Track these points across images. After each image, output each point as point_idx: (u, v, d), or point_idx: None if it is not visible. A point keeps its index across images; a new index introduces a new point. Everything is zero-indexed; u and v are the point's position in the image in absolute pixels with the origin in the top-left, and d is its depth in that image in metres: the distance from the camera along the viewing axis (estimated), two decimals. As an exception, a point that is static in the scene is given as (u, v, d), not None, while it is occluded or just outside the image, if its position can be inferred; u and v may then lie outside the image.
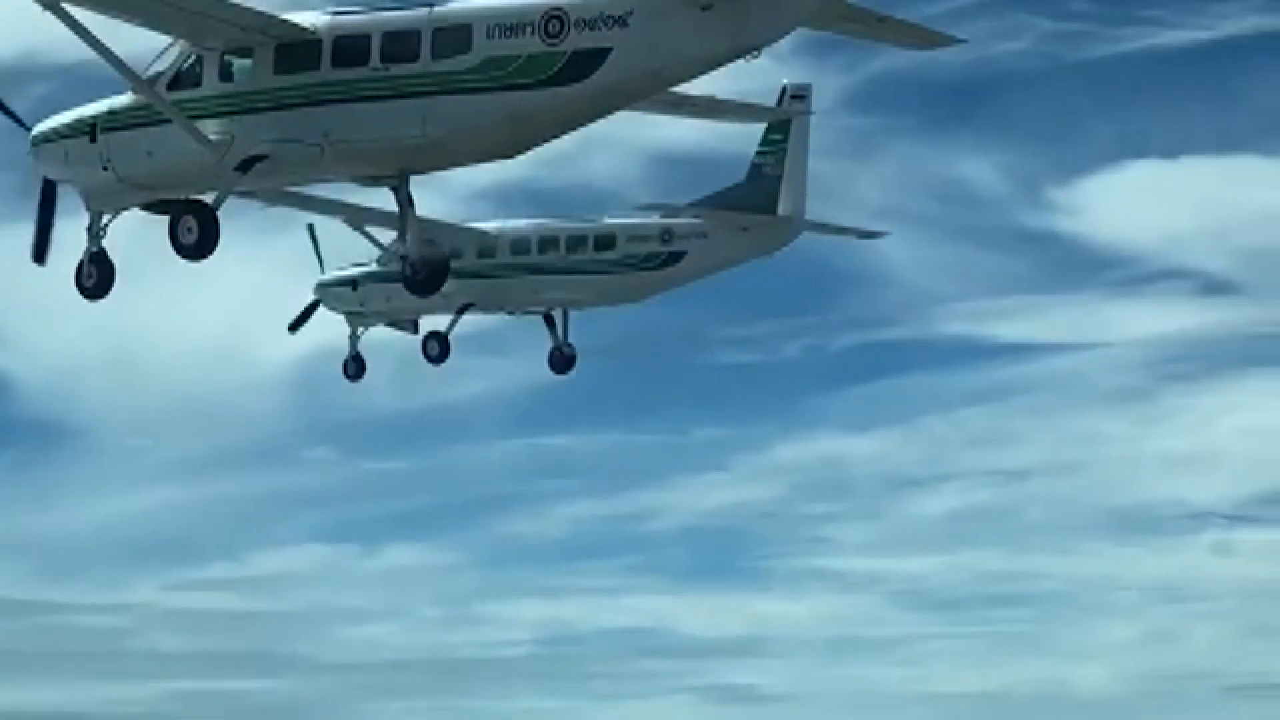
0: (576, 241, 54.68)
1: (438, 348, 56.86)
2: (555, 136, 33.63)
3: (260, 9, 34.32)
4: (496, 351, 66.52)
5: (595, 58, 31.72)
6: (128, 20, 34.16)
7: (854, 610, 79.00)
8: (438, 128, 32.98)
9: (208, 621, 77.48)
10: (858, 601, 79.19)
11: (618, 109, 33.15)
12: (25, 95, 40.00)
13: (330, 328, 59.84)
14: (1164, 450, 79.81)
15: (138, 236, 37.76)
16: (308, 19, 34.24)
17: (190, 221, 34.45)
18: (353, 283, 58.13)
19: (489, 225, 55.82)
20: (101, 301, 37.58)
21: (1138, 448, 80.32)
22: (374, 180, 35.79)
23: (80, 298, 37.37)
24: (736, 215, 52.92)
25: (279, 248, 58.36)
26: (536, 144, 33.72)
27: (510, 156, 34.23)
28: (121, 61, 34.75)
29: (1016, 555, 78.44)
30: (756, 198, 52.93)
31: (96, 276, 37.10)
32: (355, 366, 59.01)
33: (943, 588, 79.05)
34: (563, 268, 54.67)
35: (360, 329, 58.94)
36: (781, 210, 52.81)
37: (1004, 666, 75.55)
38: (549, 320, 57.00)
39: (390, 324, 58.79)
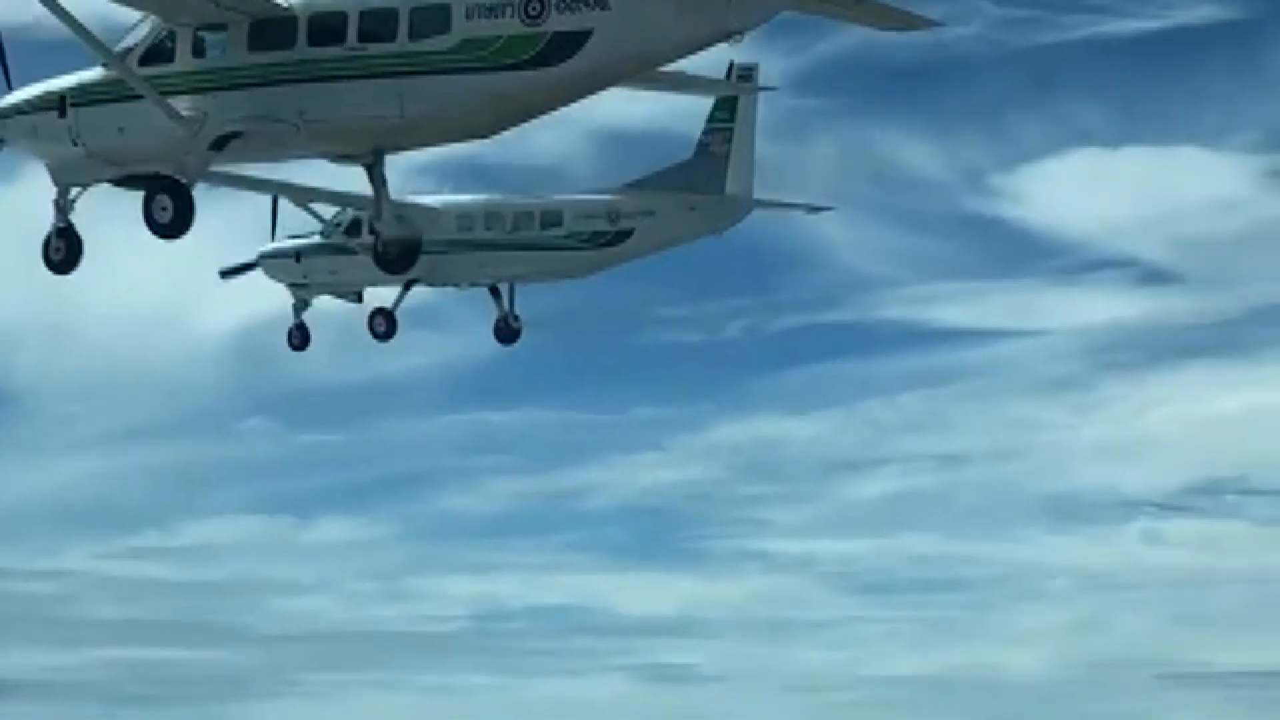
0: (523, 218, 54.89)
1: (384, 324, 56.98)
2: (534, 117, 33.89)
3: None
4: (441, 325, 66.75)
5: (576, 40, 31.80)
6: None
7: (788, 592, 79.56)
8: (416, 108, 33.05)
9: (141, 590, 77.31)
10: (792, 583, 79.69)
11: (598, 90, 33.40)
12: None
13: (270, 298, 59.87)
14: (1099, 439, 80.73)
15: (81, 204, 37.79)
16: None
17: (165, 200, 34.26)
18: (296, 254, 58.16)
19: (434, 199, 55.99)
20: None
21: (1073, 435, 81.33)
22: (347, 159, 36.02)
23: (48, 271, 37.37)
24: (683, 195, 53.38)
25: (222, 215, 58.08)
26: (515, 124, 33.93)
27: (486, 137, 34.49)
28: (93, 36, 34.63)
29: (951, 540, 79.20)
30: (703, 176, 53.39)
31: (65, 251, 37.02)
32: (300, 336, 59.01)
33: (877, 570, 79.61)
34: (509, 244, 54.91)
35: (305, 299, 58.99)
36: (729, 189, 53.28)
37: (937, 651, 76.07)
38: (494, 291, 57.29)
39: (335, 294, 58.88)
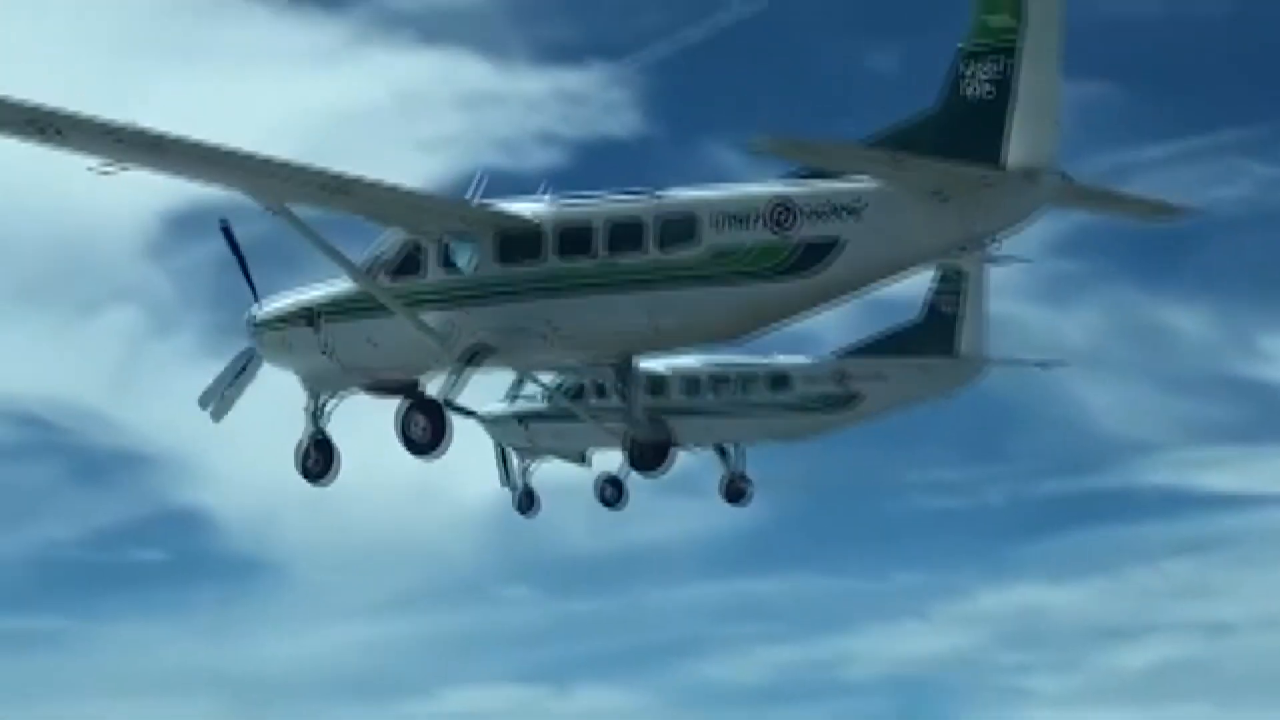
0: (750, 381, 54.69)
1: (614, 491, 56.82)
2: (784, 323, 33.87)
3: (482, 203, 34.92)
4: (673, 489, 66.53)
5: (826, 249, 31.83)
6: (350, 216, 34.82)
7: (1053, 761, 77.57)
8: (666, 319, 33.19)
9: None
10: (1058, 753, 77.75)
11: (849, 297, 33.31)
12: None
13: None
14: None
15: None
16: (529, 209, 34.67)
17: (420, 419, 34.63)
18: (521, 418, 58.44)
19: (659, 364, 56.03)
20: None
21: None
22: (596, 364, 36.22)
23: (304, 481, 37.88)
24: (914, 358, 52.91)
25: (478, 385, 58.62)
26: (764, 330, 33.96)
27: (734, 341, 34.52)
28: (345, 257, 35.27)
29: (1222, 711, 76.33)
30: (934, 337, 52.93)
31: (321, 462, 37.54)
32: (527, 501, 59.23)
33: (1144, 741, 77.50)
34: (736, 408, 54.71)
35: (530, 463, 59.20)
36: (961, 350, 52.72)
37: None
38: (721, 451, 57.08)
39: (560, 458, 59.04)
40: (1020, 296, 53.42)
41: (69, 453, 75.22)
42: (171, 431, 65.71)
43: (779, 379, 54.57)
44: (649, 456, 38.18)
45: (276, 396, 39.14)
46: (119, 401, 67.48)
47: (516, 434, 58.69)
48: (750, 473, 56.97)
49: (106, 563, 78.96)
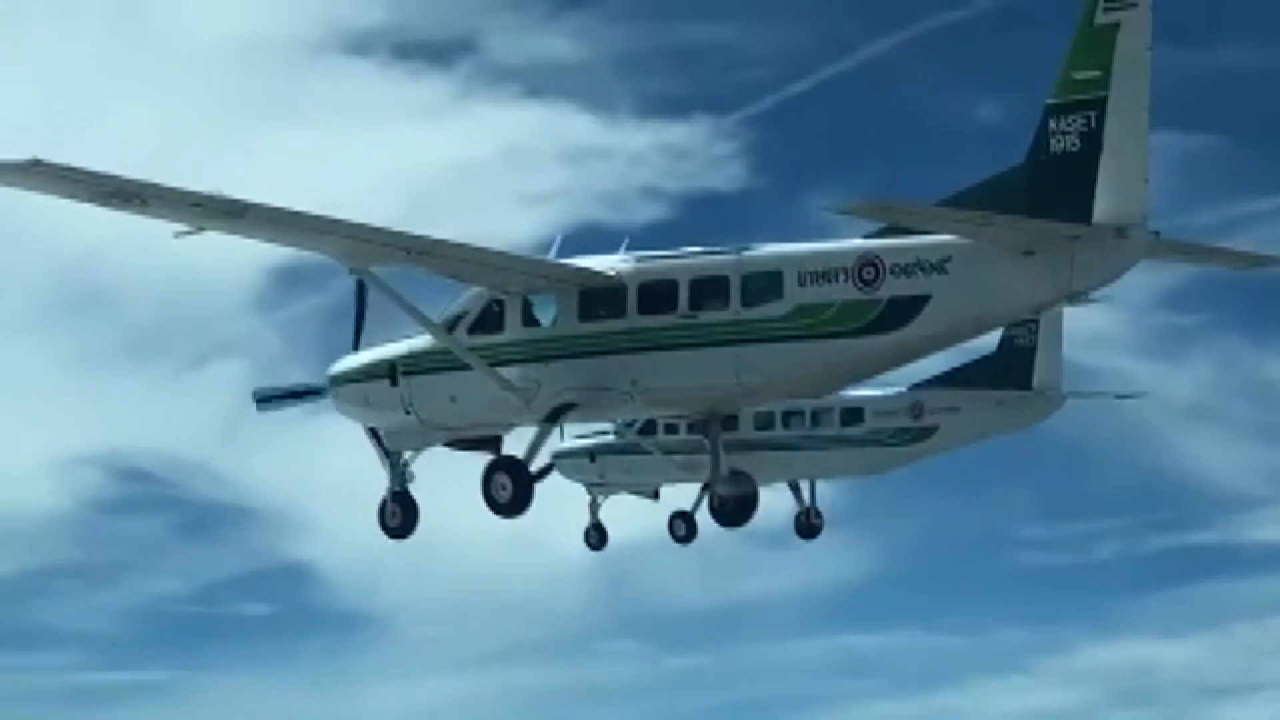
0: (823, 415, 54.25)
1: (684, 528, 56.45)
2: (868, 379, 33.66)
3: (562, 261, 34.76)
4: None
5: (913, 305, 31.55)
6: (432, 275, 34.71)
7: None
8: (752, 376, 32.94)
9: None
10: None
11: (934, 353, 33.09)
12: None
13: (631, 519, 59.16)
14: None
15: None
16: (610, 264, 34.54)
17: (504, 479, 34.36)
18: (590, 454, 58.25)
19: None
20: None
21: None
22: (680, 418, 36.04)
23: (385, 537, 37.77)
24: (989, 391, 52.46)
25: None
26: (848, 386, 33.76)
27: (819, 397, 34.33)
28: (425, 316, 35.19)
29: None
30: (1009, 370, 52.49)
31: (400, 516, 37.43)
32: (597, 536, 59.02)
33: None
34: (809, 442, 54.35)
35: (600, 498, 59.00)
36: (1036, 384, 52.31)
37: None
38: (794, 487, 56.78)
39: (630, 492, 58.84)
40: (1126, 349, 52.75)
41: (176, 507, 75.42)
42: (277, 486, 65.93)
43: (852, 413, 54.08)
44: (733, 512, 38.00)
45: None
46: (226, 455, 67.61)
47: (587, 469, 58.46)
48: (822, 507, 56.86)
49: (213, 616, 79.33)
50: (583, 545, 58.22)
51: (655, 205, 73.98)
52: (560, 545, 67.46)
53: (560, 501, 59.30)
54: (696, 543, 55.70)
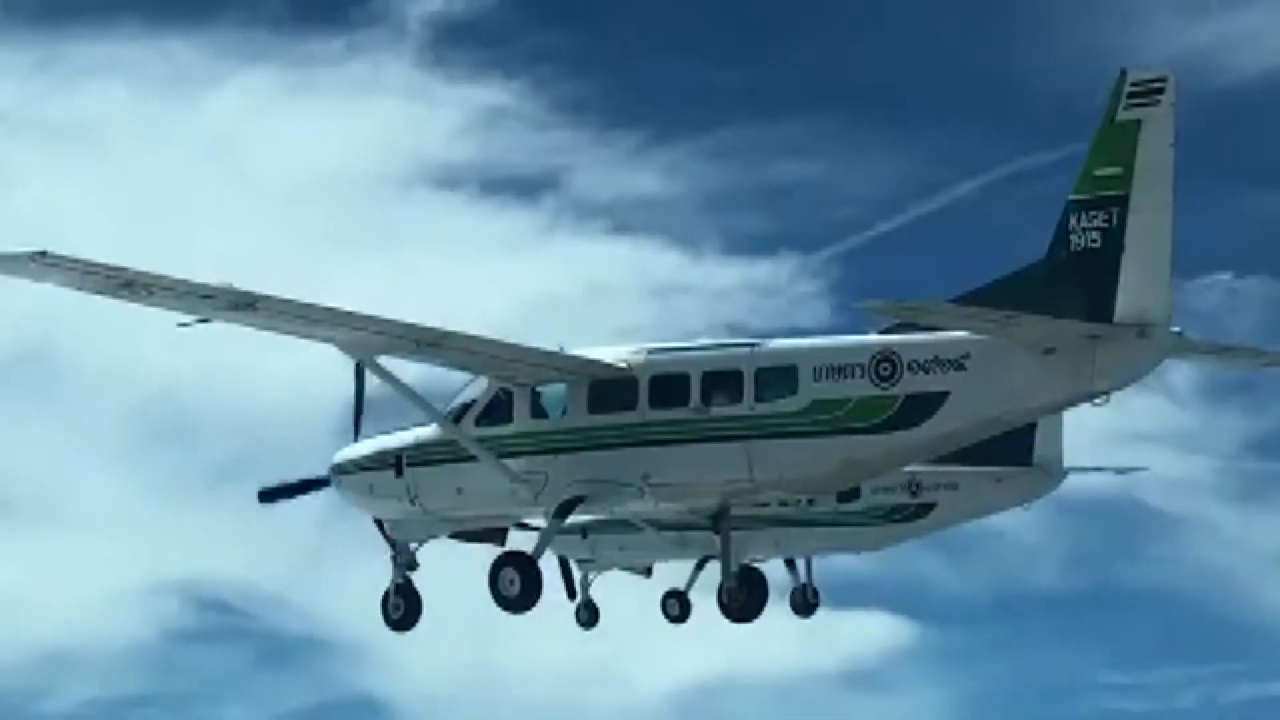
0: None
1: (678, 607, 55.77)
2: (883, 475, 33.28)
3: (573, 354, 34.37)
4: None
5: (931, 402, 31.19)
6: (439, 366, 34.30)
7: None
8: (765, 472, 32.57)
9: None
10: None
11: (950, 450, 32.75)
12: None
13: (707, 653, 58.20)
14: None
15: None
16: (621, 355, 34.13)
17: (512, 574, 33.83)
18: (582, 530, 57.61)
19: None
20: (482, 617, 36.92)
21: None
22: (691, 513, 35.63)
23: (387, 629, 37.23)
24: (988, 467, 51.92)
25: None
26: (863, 481, 33.38)
27: (833, 493, 33.94)
28: (432, 407, 34.74)
29: None
30: (1008, 444, 51.91)
31: (404, 609, 36.88)
32: (587, 614, 58.35)
33: None
34: (805, 519, 53.75)
35: (591, 575, 58.32)
36: (1036, 458, 51.81)
37: None
38: (789, 563, 56.16)
39: (622, 569, 58.20)
40: (1211, 496, 52.40)
41: (253, 637, 74.45)
42: (353, 617, 64.93)
43: (849, 489, 53.50)
44: (741, 606, 37.54)
45: (455, 588, 38.58)
46: (304, 587, 67.22)
47: (578, 545, 57.80)
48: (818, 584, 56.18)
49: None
50: (662, 678, 56.93)
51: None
52: (638, 678, 66.61)
53: (638, 633, 58.35)
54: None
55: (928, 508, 52.67)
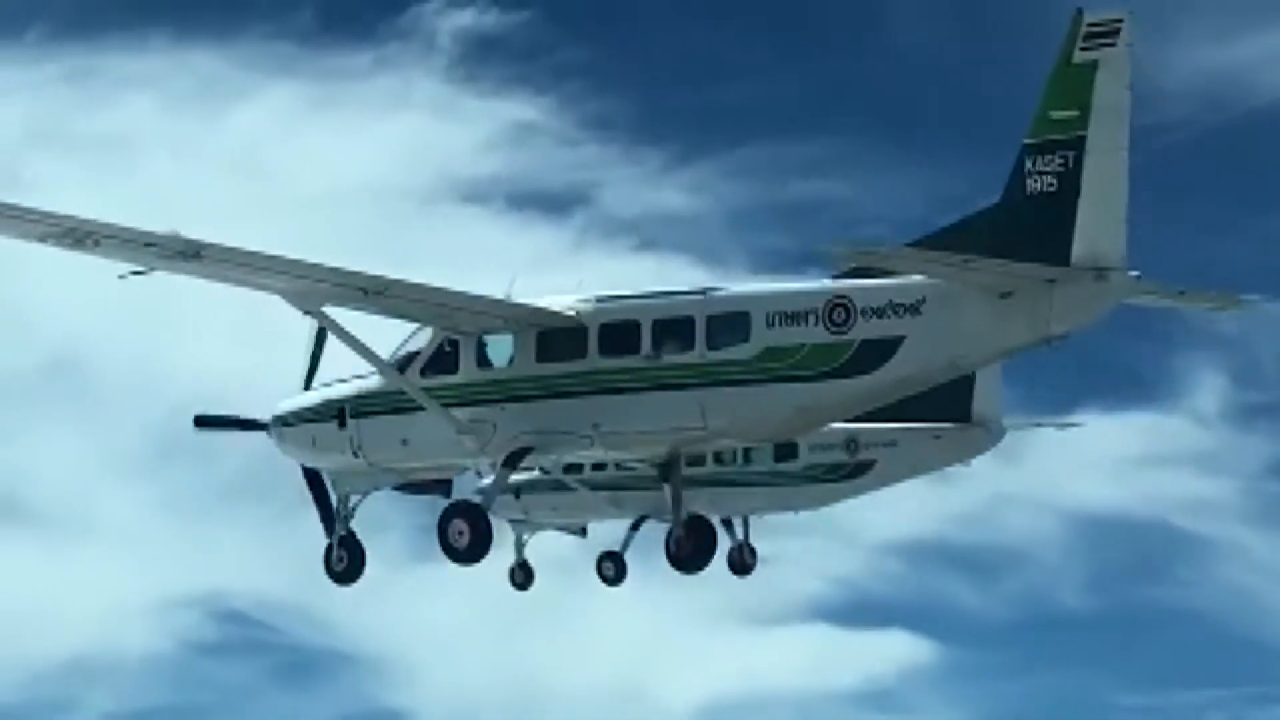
0: (757, 450, 53.20)
1: (614, 569, 55.34)
2: (838, 422, 33.02)
3: (520, 302, 33.86)
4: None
5: (886, 348, 30.90)
6: (384, 317, 33.72)
7: None
8: (718, 420, 32.18)
9: None
10: None
11: (904, 396, 32.49)
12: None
13: (730, 671, 57.76)
14: None
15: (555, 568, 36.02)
16: (569, 304, 33.69)
17: (461, 524, 33.24)
18: (515, 490, 57.09)
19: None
20: (506, 632, 36.68)
21: None
22: (641, 462, 35.25)
23: (331, 582, 36.69)
24: (927, 426, 51.66)
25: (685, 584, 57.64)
26: (817, 429, 33.12)
27: (788, 440, 33.65)
28: (377, 356, 34.17)
29: None
30: (947, 402, 51.71)
31: (347, 561, 36.43)
32: (522, 575, 57.89)
33: None
34: (741, 478, 53.36)
35: (525, 535, 57.82)
36: (975, 415, 51.58)
37: None
38: (726, 523, 55.75)
39: (557, 530, 57.70)
40: (1236, 518, 52.46)
41: (274, 651, 73.72)
42: (377, 631, 64.53)
43: (786, 448, 53.16)
44: (691, 557, 37.23)
45: (481, 602, 37.91)
46: (325, 600, 66.33)
47: (511, 505, 57.26)
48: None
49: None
50: (684, 695, 56.21)
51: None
52: (659, 694, 65.87)
53: (668, 655, 57.77)
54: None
55: (866, 466, 52.33)
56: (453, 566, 33.42)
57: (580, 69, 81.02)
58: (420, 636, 62.59)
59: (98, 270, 30.29)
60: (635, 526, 54.70)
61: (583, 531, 57.33)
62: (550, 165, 79.93)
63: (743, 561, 55.93)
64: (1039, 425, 54.95)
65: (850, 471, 52.54)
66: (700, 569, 38.16)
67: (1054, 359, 30.88)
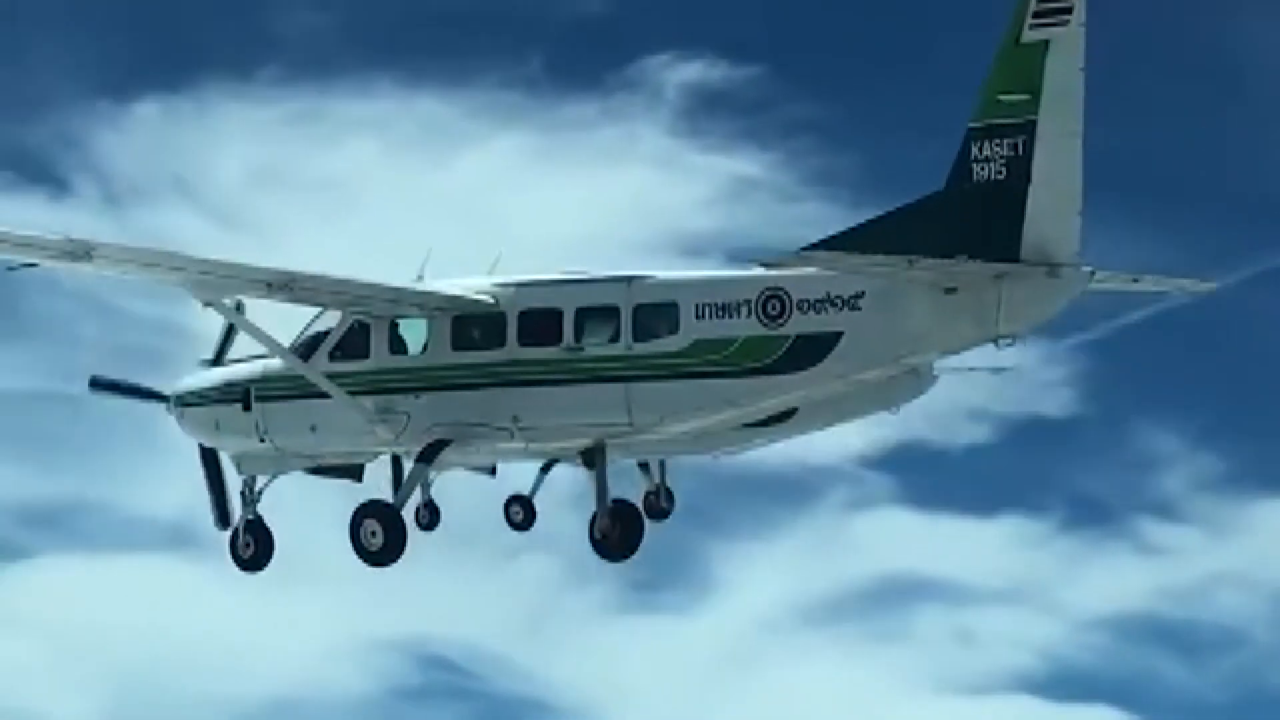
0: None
1: (522, 512, 53.97)
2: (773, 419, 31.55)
3: (431, 289, 32.02)
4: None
5: (823, 344, 29.33)
6: (292, 304, 31.74)
7: None
8: (645, 415, 30.69)
9: None
10: None
11: (842, 391, 30.94)
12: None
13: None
14: None
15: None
16: (486, 287, 31.84)
17: (374, 525, 31.70)
18: None
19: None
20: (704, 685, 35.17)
21: None
22: (565, 455, 33.70)
23: (237, 570, 34.93)
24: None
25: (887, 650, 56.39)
26: (752, 422, 31.62)
27: (719, 438, 32.23)
28: (277, 342, 32.23)
29: None
30: None
31: (254, 546, 34.65)
32: (429, 515, 56.37)
33: None
34: None
35: (432, 474, 56.15)
36: (903, 362, 50.21)
37: None
38: (643, 466, 54.45)
39: (467, 469, 56.14)
40: None
41: (475, 698, 72.77)
42: (579, 683, 63.24)
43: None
44: (615, 542, 35.78)
45: (679, 655, 36.41)
46: (530, 649, 65.43)
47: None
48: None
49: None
50: None
51: (980, 427, 70.96)
52: None
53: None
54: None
55: (789, 413, 50.95)
56: (656, 619, 31.65)
57: (807, 124, 78.98)
58: (621, 687, 62.35)
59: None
60: (545, 469, 53.33)
61: (492, 471, 55.83)
62: (771, 221, 78.46)
63: (658, 505, 54.59)
64: (972, 370, 53.58)
65: (772, 418, 51.16)
66: (626, 558, 36.56)
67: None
